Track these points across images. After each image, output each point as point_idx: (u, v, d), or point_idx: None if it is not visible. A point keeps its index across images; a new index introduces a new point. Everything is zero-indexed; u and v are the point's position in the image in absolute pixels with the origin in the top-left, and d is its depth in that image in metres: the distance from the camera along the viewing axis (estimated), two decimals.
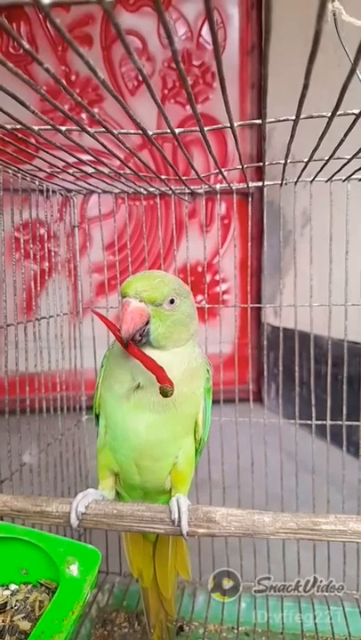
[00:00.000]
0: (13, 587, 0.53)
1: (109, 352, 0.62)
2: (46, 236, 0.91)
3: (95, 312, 0.58)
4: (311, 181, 0.77)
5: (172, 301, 0.54)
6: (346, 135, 0.45)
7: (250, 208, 0.87)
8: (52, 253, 0.94)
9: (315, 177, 0.75)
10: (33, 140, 0.52)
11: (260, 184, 0.81)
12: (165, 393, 0.51)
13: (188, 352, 0.58)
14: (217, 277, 2.09)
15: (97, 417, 0.65)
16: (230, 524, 0.53)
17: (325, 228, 0.82)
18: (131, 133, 0.46)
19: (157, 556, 0.71)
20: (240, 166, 0.63)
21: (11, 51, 2.15)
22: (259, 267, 2.21)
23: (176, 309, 0.55)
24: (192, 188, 0.81)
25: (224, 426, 0.92)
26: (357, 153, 0.57)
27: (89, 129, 0.43)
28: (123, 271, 0.96)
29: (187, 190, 0.82)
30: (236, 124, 0.41)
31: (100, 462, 0.63)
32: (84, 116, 1.97)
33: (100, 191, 0.87)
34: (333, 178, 0.75)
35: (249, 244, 0.87)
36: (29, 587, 0.52)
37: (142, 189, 0.84)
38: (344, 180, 0.76)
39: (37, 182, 0.80)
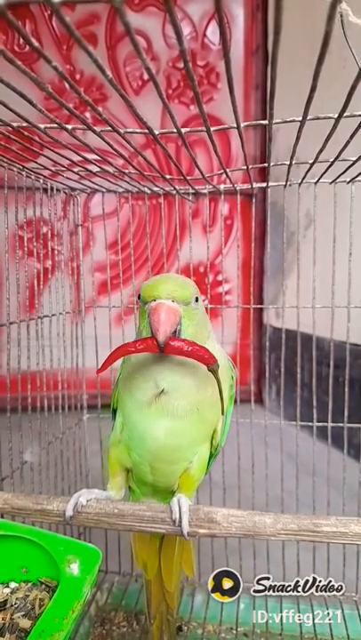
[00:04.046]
0: (13, 585, 0.53)
1: None
2: (49, 235, 0.91)
3: (101, 370, 0.55)
4: (315, 183, 0.77)
5: (196, 299, 0.54)
6: (352, 137, 0.45)
7: (253, 209, 0.87)
8: (55, 252, 0.94)
9: (319, 178, 0.75)
10: (37, 138, 0.52)
11: (264, 185, 0.81)
12: (215, 371, 0.51)
13: (210, 350, 0.55)
14: (219, 278, 2.10)
15: (114, 411, 0.64)
16: (231, 524, 0.53)
17: (329, 229, 0.82)
18: (137, 132, 0.46)
19: (164, 550, 0.71)
20: (245, 167, 0.63)
21: (15, 49, 2.15)
22: (261, 267, 2.21)
23: (199, 307, 0.55)
24: (196, 188, 0.81)
25: None
26: None
27: (95, 128, 0.43)
28: (125, 270, 0.97)
29: (191, 190, 0.82)
30: (242, 125, 0.41)
31: (112, 457, 0.62)
32: (87, 114, 1.97)
33: (103, 190, 0.87)
34: (338, 180, 0.75)
35: (252, 244, 0.87)
36: (29, 585, 0.53)
37: (146, 189, 0.84)
38: (348, 182, 0.76)
39: (41, 180, 0.80)
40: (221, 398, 0.54)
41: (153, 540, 0.71)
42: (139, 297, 0.54)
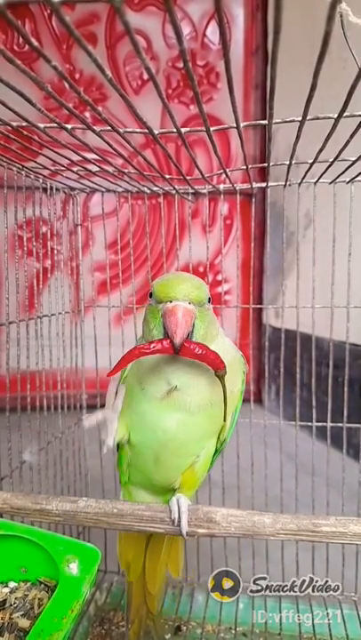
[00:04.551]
0: (13, 584, 0.53)
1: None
2: (49, 234, 0.91)
3: (113, 372, 0.53)
4: (315, 183, 0.77)
5: (208, 300, 0.54)
6: (352, 137, 0.45)
7: (253, 209, 0.87)
8: (55, 251, 0.94)
9: (319, 178, 0.75)
10: (37, 138, 0.52)
11: (263, 185, 0.81)
12: (222, 377, 0.52)
13: (221, 346, 0.56)
14: (219, 278, 2.10)
15: None
16: (231, 524, 0.53)
17: (328, 229, 0.82)
18: (137, 132, 0.46)
19: (150, 548, 0.70)
20: (245, 167, 0.63)
21: (15, 48, 2.15)
22: (261, 267, 2.22)
23: (210, 307, 0.55)
24: (195, 187, 0.81)
25: None
26: None
27: (94, 127, 0.43)
28: (125, 270, 0.96)
29: (190, 190, 0.82)
30: (242, 125, 0.41)
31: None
32: (87, 114, 1.97)
33: (103, 190, 0.87)
34: (337, 180, 0.75)
35: (252, 244, 0.87)
36: (28, 584, 0.53)
37: (146, 188, 0.84)
38: (348, 182, 0.76)
39: (41, 180, 0.80)
40: (225, 404, 0.54)
41: (140, 537, 0.70)
42: (150, 295, 0.54)
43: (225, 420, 0.57)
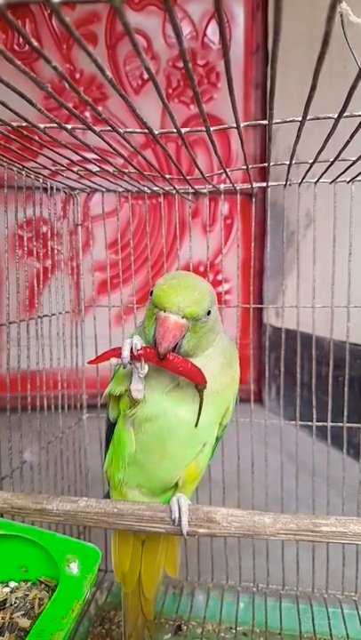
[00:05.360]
0: (13, 584, 0.53)
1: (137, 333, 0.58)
2: (49, 234, 0.91)
3: (94, 362, 0.55)
4: (316, 182, 0.77)
5: (208, 313, 0.53)
6: (352, 137, 0.45)
7: (253, 208, 0.87)
8: (55, 251, 0.94)
9: (319, 178, 0.75)
10: (37, 138, 0.52)
11: (263, 184, 0.81)
12: (201, 391, 0.53)
13: (220, 348, 0.57)
14: (219, 277, 2.10)
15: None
16: (231, 524, 0.53)
17: (328, 229, 0.82)
18: (137, 132, 0.46)
19: (146, 550, 0.69)
20: (245, 166, 0.63)
21: (15, 48, 2.15)
22: (261, 267, 2.22)
23: (209, 319, 0.54)
24: (196, 187, 0.81)
25: None
26: None
27: (95, 127, 0.43)
28: (125, 270, 0.97)
29: (190, 190, 0.82)
30: (242, 125, 0.41)
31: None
32: (87, 114, 1.97)
33: (103, 189, 0.87)
34: (338, 179, 0.75)
35: (252, 244, 0.87)
36: (29, 584, 0.53)
37: (146, 188, 0.84)
38: (348, 182, 0.76)
39: (41, 180, 0.80)
40: (199, 412, 0.55)
41: (136, 545, 0.69)
42: (151, 293, 0.54)
43: (196, 426, 0.56)
